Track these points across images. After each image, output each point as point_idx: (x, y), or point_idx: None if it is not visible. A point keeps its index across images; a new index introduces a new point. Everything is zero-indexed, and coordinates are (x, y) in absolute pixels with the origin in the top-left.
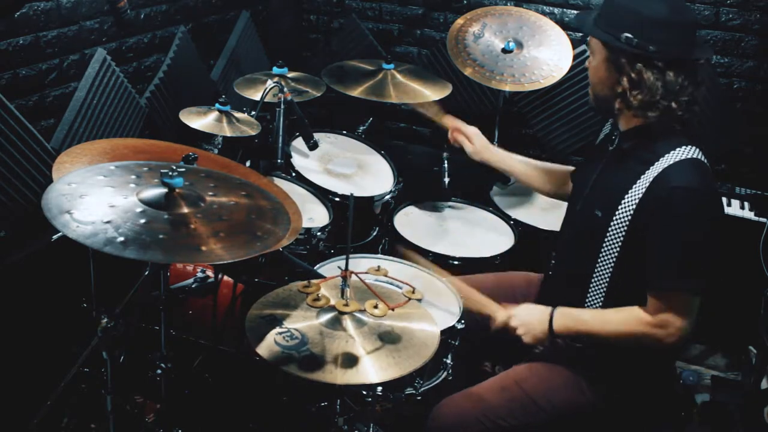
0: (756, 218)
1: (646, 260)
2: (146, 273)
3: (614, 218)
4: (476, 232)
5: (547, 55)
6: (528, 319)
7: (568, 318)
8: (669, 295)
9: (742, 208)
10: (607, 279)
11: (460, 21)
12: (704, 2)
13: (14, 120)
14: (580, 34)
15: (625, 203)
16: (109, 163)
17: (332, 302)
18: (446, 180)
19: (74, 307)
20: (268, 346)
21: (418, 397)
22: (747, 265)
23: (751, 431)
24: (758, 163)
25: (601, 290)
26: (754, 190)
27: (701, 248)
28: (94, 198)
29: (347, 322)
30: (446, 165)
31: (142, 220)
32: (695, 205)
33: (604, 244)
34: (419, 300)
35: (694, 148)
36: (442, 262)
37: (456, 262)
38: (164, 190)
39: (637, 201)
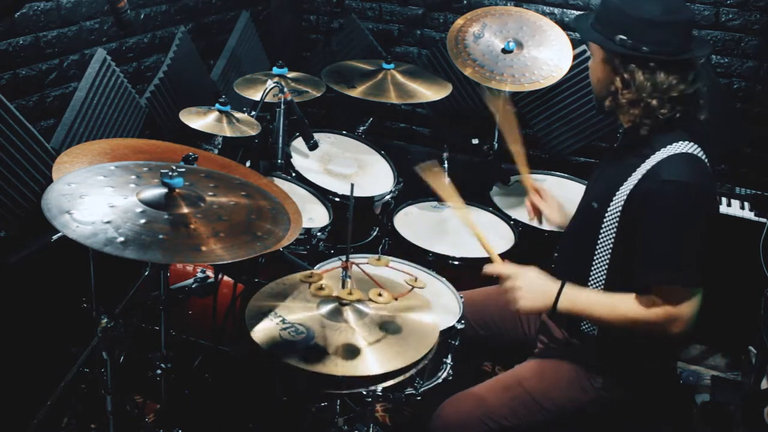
0: (756, 218)
1: (640, 253)
2: (146, 273)
3: (608, 209)
4: None
5: (547, 55)
6: (532, 285)
7: (575, 298)
8: (662, 288)
9: (742, 208)
10: (605, 272)
11: (460, 21)
12: (704, 2)
13: (14, 120)
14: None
15: (618, 195)
16: (109, 163)
17: (335, 293)
18: (446, 180)
19: (74, 307)
20: (271, 341)
21: (418, 397)
22: (747, 265)
23: (751, 431)
24: (758, 163)
25: (600, 283)
26: (754, 190)
27: (693, 243)
28: (94, 198)
29: (348, 313)
30: (446, 165)
31: (142, 220)
32: (686, 200)
33: (600, 236)
34: (422, 288)
35: (691, 144)
36: (442, 262)
37: (456, 262)
38: (164, 190)
39: (628, 192)
